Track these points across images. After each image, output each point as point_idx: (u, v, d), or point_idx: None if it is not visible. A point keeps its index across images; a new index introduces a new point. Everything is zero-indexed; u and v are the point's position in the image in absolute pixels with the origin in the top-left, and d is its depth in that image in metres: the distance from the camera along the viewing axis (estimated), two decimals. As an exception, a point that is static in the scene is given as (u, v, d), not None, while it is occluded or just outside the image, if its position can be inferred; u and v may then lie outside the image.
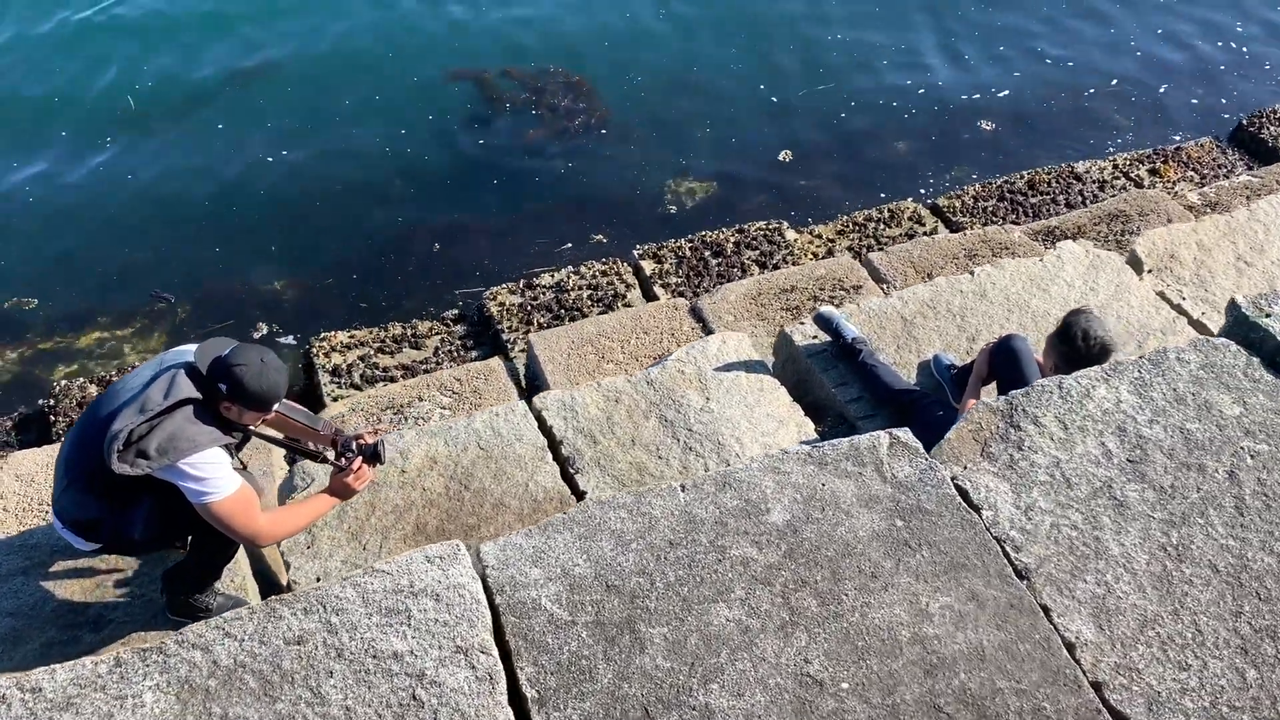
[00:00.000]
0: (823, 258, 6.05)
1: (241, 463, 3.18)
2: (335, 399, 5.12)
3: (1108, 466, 3.09)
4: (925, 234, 6.26)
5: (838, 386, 4.21)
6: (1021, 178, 6.83)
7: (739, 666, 2.57)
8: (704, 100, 7.93)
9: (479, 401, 4.64)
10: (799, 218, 6.80)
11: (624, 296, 5.80)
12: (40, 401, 5.48)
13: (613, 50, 8.43)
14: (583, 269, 6.00)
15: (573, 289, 5.85)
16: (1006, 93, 8.14)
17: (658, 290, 5.79)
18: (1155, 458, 3.12)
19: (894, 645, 2.63)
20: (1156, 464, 3.10)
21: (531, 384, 4.86)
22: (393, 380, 5.25)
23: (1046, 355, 3.78)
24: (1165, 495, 3.01)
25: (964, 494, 3.03)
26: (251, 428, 3.11)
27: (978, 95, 8.09)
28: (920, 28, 8.88)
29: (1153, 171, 6.92)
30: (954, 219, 6.44)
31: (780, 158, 7.43)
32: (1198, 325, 4.53)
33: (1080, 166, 6.93)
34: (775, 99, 7.97)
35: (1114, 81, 8.29)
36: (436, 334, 5.68)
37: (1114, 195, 6.54)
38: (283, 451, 4.08)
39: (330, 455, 3.31)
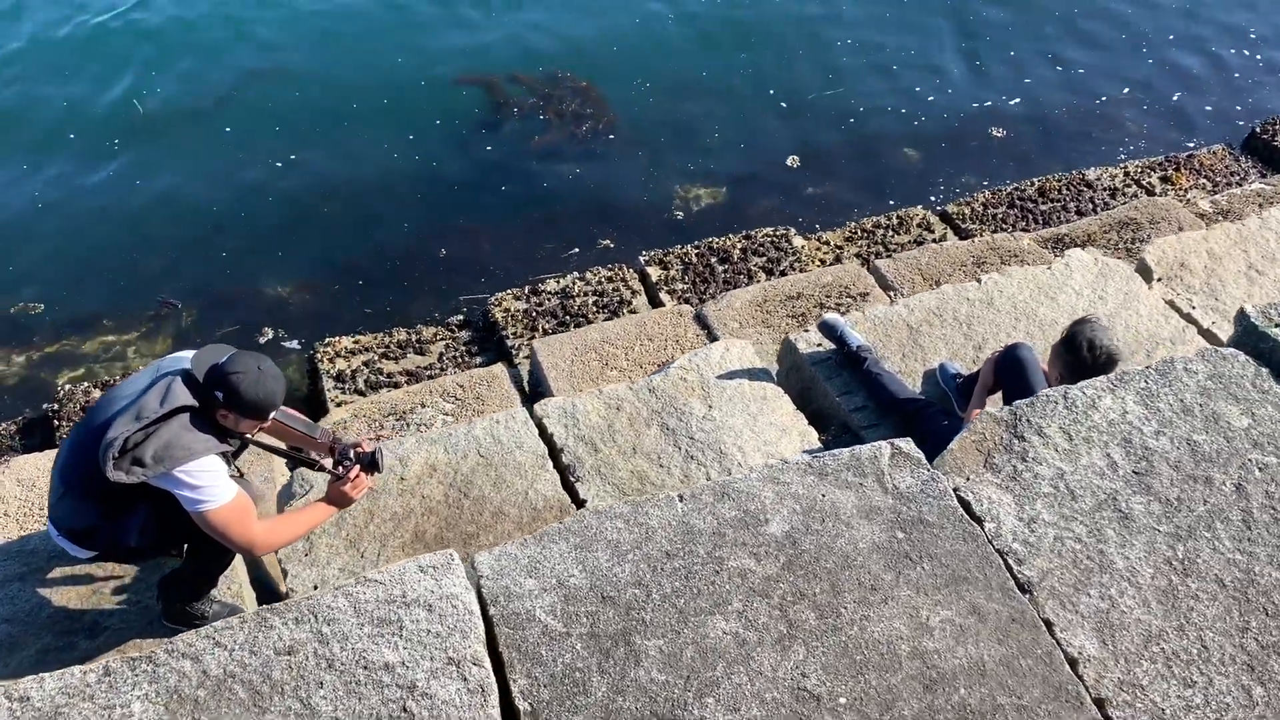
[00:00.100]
0: (830, 264, 6.01)
1: (239, 470, 3.16)
2: (339, 404, 5.11)
3: (1113, 478, 3.04)
4: (934, 241, 6.22)
5: (842, 395, 4.17)
6: (1032, 185, 6.78)
7: (735, 680, 2.53)
8: (712, 105, 7.91)
9: (482, 408, 4.62)
10: (807, 224, 6.76)
11: (629, 303, 5.78)
12: (44, 406, 5.48)
13: (621, 55, 8.42)
14: (588, 275, 5.97)
15: (578, 295, 5.82)
16: (1018, 99, 8.09)
17: (663, 297, 5.76)
18: (1161, 470, 3.06)
19: (893, 659, 2.59)
20: (1162, 476, 3.05)
21: (534, 390, 4.83)
22: (396, 386, 5.24)
23: (1052, 365, 3.73)
24: (1171, 508, 2.96)
25: (966, 506, 2.98)
26: (248, 436, 3.10)
27: (989, 101, 8.05)
28: (931, 32, 8.85)
29: (1164, 179, 6.86)
30: (963, 226, 6.40)
31: (789, 163, 7.40)
32: (1208, 335, 4.46)
33: (1091, 173, 6.88)
34: (784, 104, 7.94)
35: (1126, 89, 8.23)
36: (441, 339, 5.66)
37: (1125, 203, 6.48)
38: (283, 458, 4.06)
39: (328, 463, 3.29)
